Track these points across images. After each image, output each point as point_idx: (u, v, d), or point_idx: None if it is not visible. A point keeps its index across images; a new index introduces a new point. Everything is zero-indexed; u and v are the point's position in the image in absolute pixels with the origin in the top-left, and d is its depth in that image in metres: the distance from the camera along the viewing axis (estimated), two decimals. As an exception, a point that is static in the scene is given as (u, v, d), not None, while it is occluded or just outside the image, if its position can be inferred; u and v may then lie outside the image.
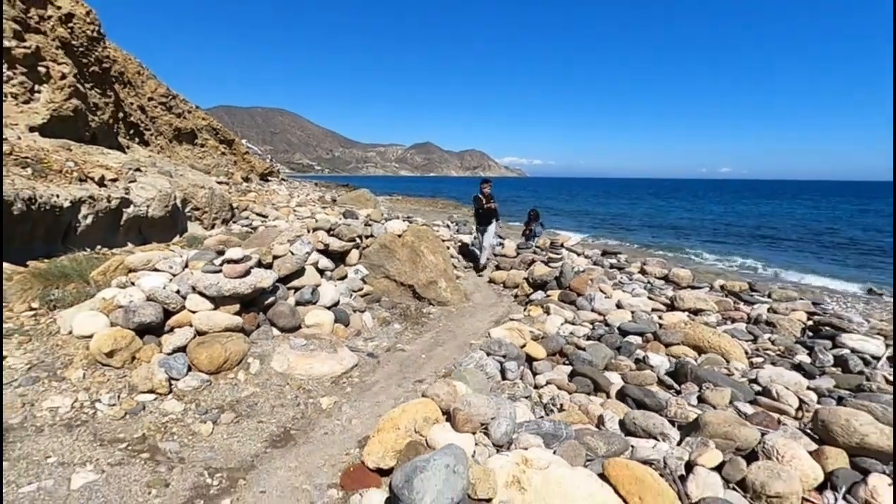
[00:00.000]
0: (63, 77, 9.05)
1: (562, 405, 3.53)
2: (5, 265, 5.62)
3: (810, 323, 5.49)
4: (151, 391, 3.36)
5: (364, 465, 2.62)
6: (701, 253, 17.07)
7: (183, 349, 3.77)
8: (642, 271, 8.03)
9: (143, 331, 3.83)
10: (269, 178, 29.48)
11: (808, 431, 3.03)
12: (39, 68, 8.85)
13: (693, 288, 7.14)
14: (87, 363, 3.56)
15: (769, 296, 6.73)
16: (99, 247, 7.31)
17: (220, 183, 12.73)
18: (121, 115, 13.74)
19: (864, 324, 5.55)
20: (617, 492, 2.31)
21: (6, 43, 8.33)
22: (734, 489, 2.52)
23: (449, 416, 2.77)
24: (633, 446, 2.90)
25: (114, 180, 7.99)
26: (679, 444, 2.98)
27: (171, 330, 3.94)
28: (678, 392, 3.95)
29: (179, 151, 21.04)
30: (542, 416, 3.37)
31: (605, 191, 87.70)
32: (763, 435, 2.85)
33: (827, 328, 5.15)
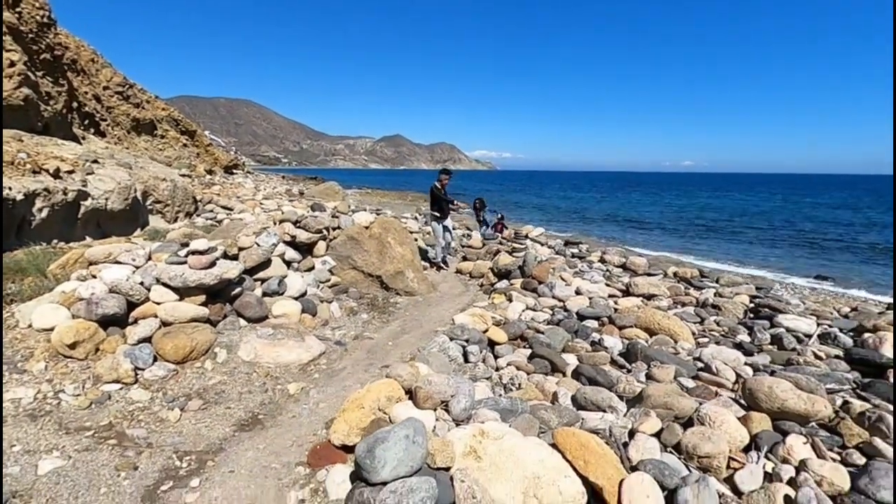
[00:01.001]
0: (12, 64, 8.69)
1: (520, 384, 3.74)
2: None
3: (752, 306, 5.89)
4: (117, 381, 3.39)
5: (330, 443, 2.76)
6: (660, 244, 17.76)
7: (148, 340, 3.80)
8: (602, 260, 8.37)
9: (107, 322, 3.83)
10: (234, 171, 28.84)
11: (739, 400, 3.33)
12: (-14, 55, 8.47)
13: (648, 275, 7.51)
14: (49, 355, 3.55)
15: (717, 281, 7.15)
16: (55, 241, 7.12)
17: (182, 176, 12.45)
18: (75, 104, 13.24)
19: (800, 305, 5.99)
20: (564, 457, 2.51)
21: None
22: (671, 452, 2.77)
23: (411, 394, 2.93)
24: (583, 418, 3.13)
25: (70, 172, 7.76)
26: (625, 415, 3.22)
27: (136, 321, 3.95)
28: (629, 371, 4.22)
29: (138, 143, 20.38)
30: (500, 395, 3.57)
31: (572, 184, 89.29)
32: (700, 405, 3.12)
33: (766, 310, 5.55)
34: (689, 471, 2.56)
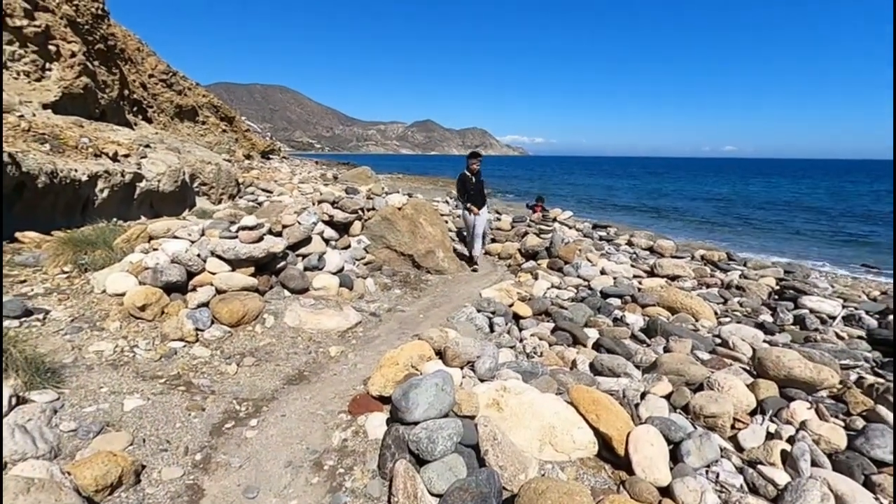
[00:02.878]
0: (73, 55, 9.33)
1: (542, 353, 4.00)
2: (32, 233, 6.07)
3: (777, 288, 5.95)
4: (181, 339, 3.82)
5: (368, 395, 3.10)
6: (695, 231, 17.47)
7: (206, 305, 4.23)
8: (629, 243, 8.47)
9: (170, 289, 4.28)
10: (271, 156, 29.69)
11: (751, 370, 3.50)
12: (49, 46, 9.13)
13: (676, 258, 7.58)
14: (122, 316, 4.02)
15: (745, 265, 7.18)
16: (114, 219, 7.73)
17: (226, 160, 13.07)
18: (125, 92, 13.99)
19: (828, 289, 6.01)
20: (578, 411, 2.78)
21: (17, 22, 8.60)
22: (679, 412, 3.00)
23: (441, 354, 3.24)
24: (599, 382, 3.38)
25: (126, 156, 8.36)
26: (640, 381, 3.45)
27: (194, 289, 4.39)
28: (648, 345, 4.42)
29: (181, 129, 21.24)
30: (523, 361, 3.84)
31: (606, 170, 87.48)
32: (711, 373, 3.32)
33: (791, 292, 5.61)
34: (695, 428, 2.79)
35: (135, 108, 16.15)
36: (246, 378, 3.49)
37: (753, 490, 2.38)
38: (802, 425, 2.76)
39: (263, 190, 11.29)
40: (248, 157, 24.30)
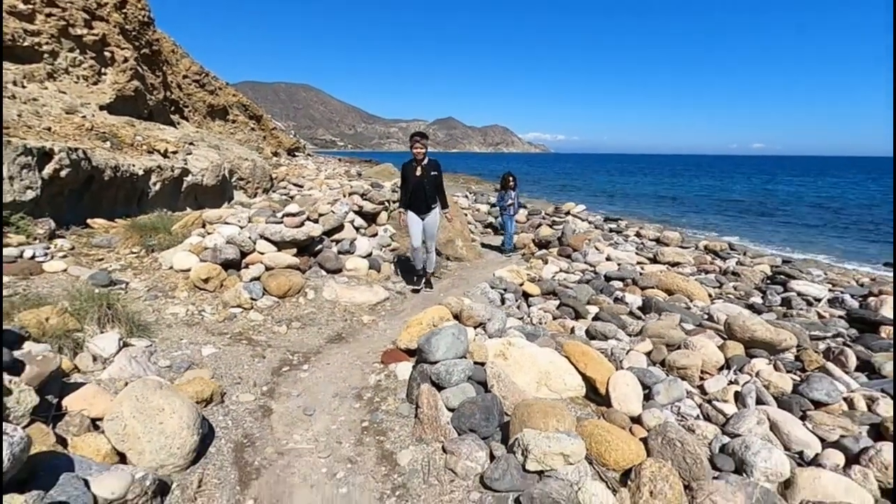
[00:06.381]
0: (125, 60, 10.23)
1: (545, 323, 4.60)
2: (101, 220, 6.91)
3: (770, 274, 6.41)
4: (239, 306, 4.54)
5: (397, 348, 3.75)
6: (713, 227, 17.64)
7: (257, 279, 4.94)
8: (638, 234, 8.97)
9: (227, 265, 5.00)
10: (296, 154, 30.68)
11: (722, 334, 4.05)
12: (105, 53, 10.04)
13: (681, 247, 8.06)
14: (188, 287, 4.76)
15: (744, 254, 7.63)
16: (165, 210, 8.57)
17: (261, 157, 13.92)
18: (167, 93, 14.96)
19: (821, 275, 6.44)
20: (570, 361, 3.38)
21: (78, 31, 9.51)
22: (658, 367, 3.57)
23: (457, 317, 3.87)
24: (591, 344, 3.96)
25: (174, 152, 9.21)
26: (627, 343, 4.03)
27: (247, 266, 5.11)
28: (641, 319, 4.97)
29: (213, 127, 22.28)
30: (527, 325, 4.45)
31: (627, 168, 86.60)
32: (688, 337, 3.88)
33: (782, 277, 6.08)
34: (667, 376, 3.36)
35: (172, 108, 17.21)
36: (295, 336, 4.19)
37: (707, 419, 2.95)
38: (756, 375, 3.31)
39: (294, 184, 12.09)
40: (275, 154, 25.29)
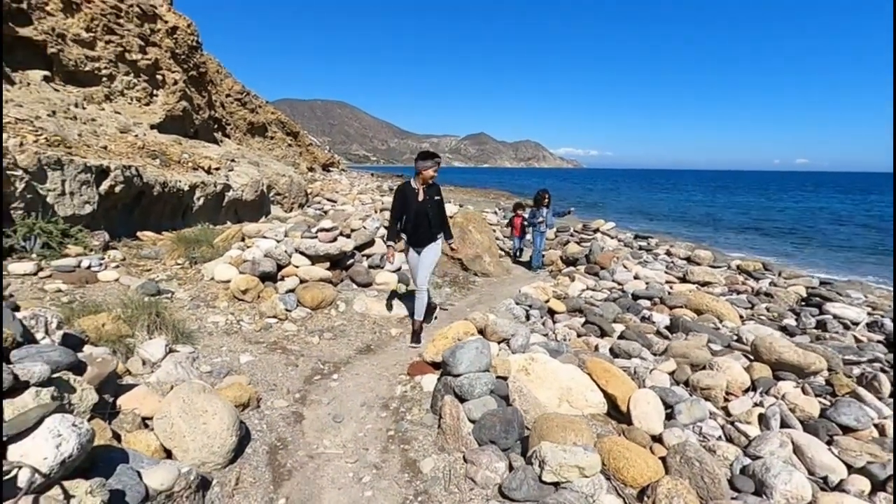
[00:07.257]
0: (175, 83, 10.89)
1: (570, 340, 4.65)
2: (149, 233, 7.34)
3: (805, 295, 6.25)
4: (275, 317, 4.78)
5: (423, 361, 3.88)
6: (752, 248, 17.12)
7: (292, 291, 5.18)
8: (668, 252, 8.87)
9: (264, 277, 5.27)
10: (331, 169, 31.55)
11: (749, 356, 4.01)
12: (157, 76, 10.72)
13: (713, 267, 7.93)
14: (228, 298, 5.04)
15: (779, 274, 7.45)
16: (207, 223, 9.03)
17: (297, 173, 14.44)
18: (212, 112, 15.75)
19: (860, 298, 6.24)
20: (591, 378, 3.44)
21: (133, 56, 10.21)
22: (681, 386, 3.58)
23: (482, 332, 3.98)
24: (615, 362, 4.00)
25: (217, 169, 9.71)
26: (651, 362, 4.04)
27: (283, 278, 5.37)
28: (668, 339, 4.95)
29: (253, 144, 23.20)
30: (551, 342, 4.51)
31: (663, 183, 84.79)
32: (714, 357, 3.87)
33: (817, 298, 5.92)
34: (691, 396, 3.37)
35: (215, 126, 18.09)
36: (326, 347, 4.38)
37: (729, 440, 2.95)
38: (783, 398, 3.28)
39: (328, 199, 12.48)
40: (310, 169, 26.10)
